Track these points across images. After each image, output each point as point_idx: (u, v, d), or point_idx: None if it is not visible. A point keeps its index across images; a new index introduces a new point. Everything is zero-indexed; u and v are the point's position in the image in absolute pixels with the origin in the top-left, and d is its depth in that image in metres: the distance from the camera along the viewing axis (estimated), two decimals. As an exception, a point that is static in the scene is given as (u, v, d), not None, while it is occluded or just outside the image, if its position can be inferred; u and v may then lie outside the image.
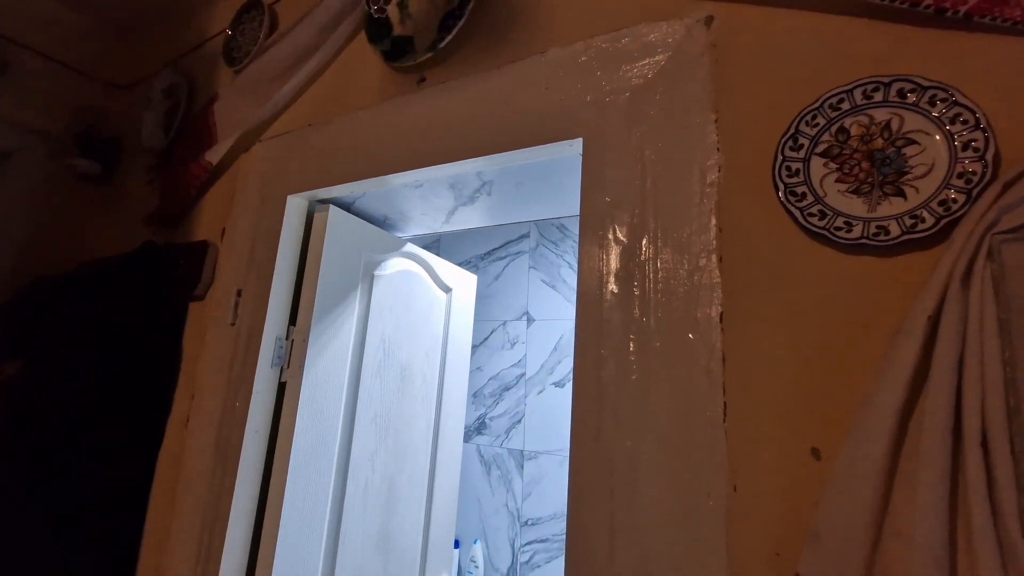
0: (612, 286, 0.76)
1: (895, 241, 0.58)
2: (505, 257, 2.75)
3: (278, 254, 1.16)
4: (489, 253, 2.79)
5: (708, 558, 0.62)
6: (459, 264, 2.56)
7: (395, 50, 1.06)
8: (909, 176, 0.59)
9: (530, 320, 2.60)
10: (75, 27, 1.74)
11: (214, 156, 1.30)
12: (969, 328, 0.51)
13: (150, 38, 1.80)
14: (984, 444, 0.49)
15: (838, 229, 0.61)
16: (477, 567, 2.38)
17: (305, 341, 1.16)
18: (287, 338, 1.18)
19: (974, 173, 0.55)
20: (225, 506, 1.06)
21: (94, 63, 1.78)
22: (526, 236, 2.71)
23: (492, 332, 2.68)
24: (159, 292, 1.26)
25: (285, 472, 1.08)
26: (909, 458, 0.52)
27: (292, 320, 1.20)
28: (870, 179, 0.61)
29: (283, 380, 1.16)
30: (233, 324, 1.17)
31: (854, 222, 0.61)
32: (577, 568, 0.69)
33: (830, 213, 0.62)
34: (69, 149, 1.64)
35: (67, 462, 1.15)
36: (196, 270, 1.24)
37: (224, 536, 1.04)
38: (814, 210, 0.63)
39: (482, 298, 2.68)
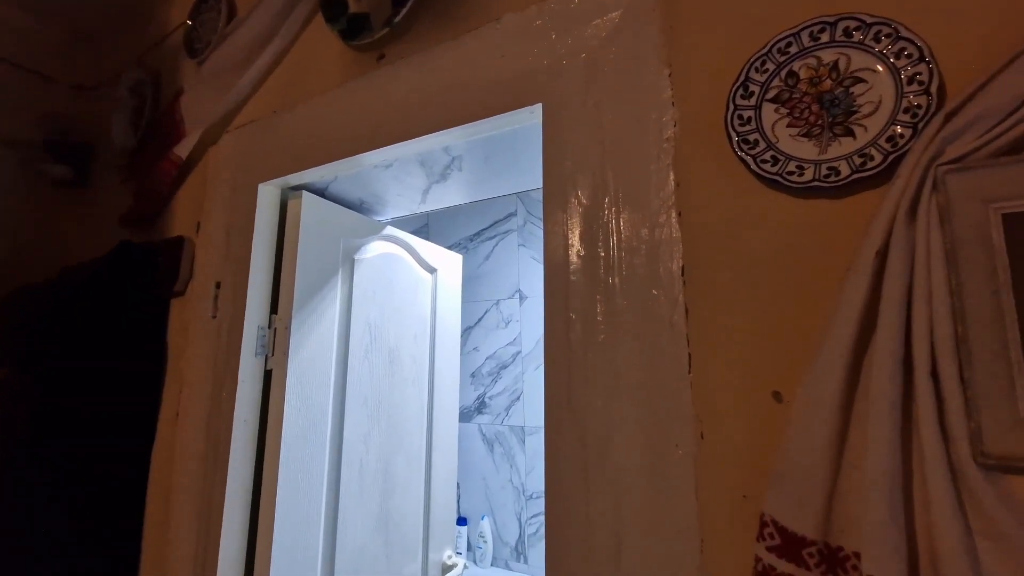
0: (577, 249, 0.76)
1: (846, 181, 0.58)
2: (494, 237, 2.75)
3: (253, 244, 1.16)
4: (478, 234, 2.79)
5: (679, 506, 0.63)
6: (448, 246, 2.56)
7: (352, 28, 1.05)
8: (858, 115, 0.59)
9: (523, 297, 2.60)
10: (35, 32, 1.71)
11: (183, 150, 1.29)
12: (916, 260, 0.51)
13: (112, 37, 1.77)
14: (934, 373, 0.50)
15: (790, 173, 0.61)
16: (486, 542, 2.43)
17: (287, 329, 1.17)
18: (269, 327, 1.19)
19: (919, 107, 0.55)
20: (219, 496, 1.07)
21: (58, 67, 1.75)
22: (513, 215, 2.70)
23: (486, 312, 2.69)
24: (139, 291, 1.27)
25: (277, 458, 1.10)
26: (862, 394, 0.53)
27: (274, 309, 1.20)
28: (820, 121, 0.61)
29: (268, 368, 1.17)
30: (215, 317, 1.18)
31: (806, 165, 0.61)
32: (556, 524, 0.71)
33: (782, 158, 0.62)
34: (40, 155, 1.62)
35: (60, 466, 1.17)
36: (174, 266, 1.24)
37: (220, 525, 1.06)
38: (767, 156, 0.63)
39: (474, 279, 2.69)
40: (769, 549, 0.56)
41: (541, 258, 2.52)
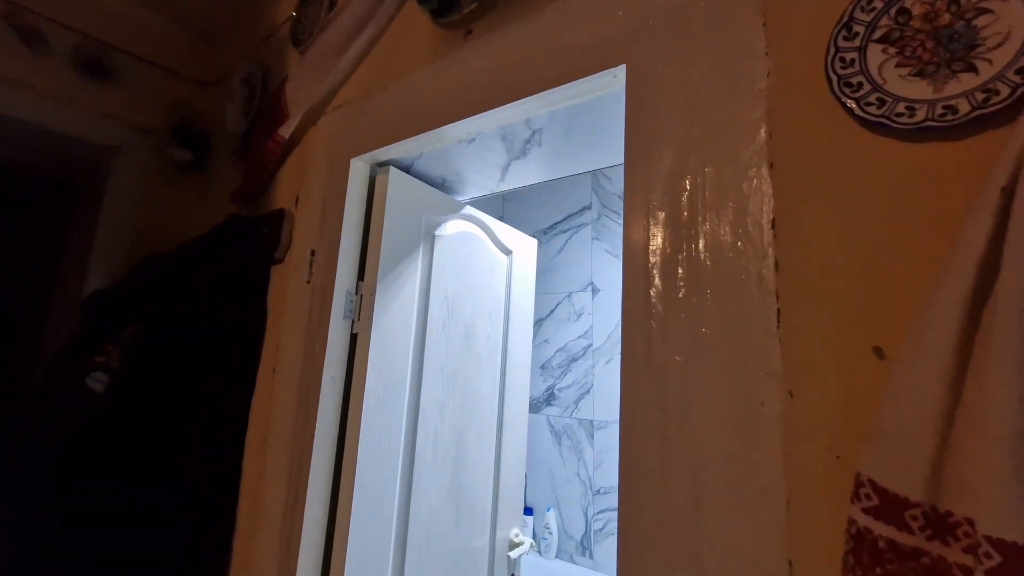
0: (657, 203, 0.75)
1: (964, 119, 0.53)
2: (568, 230, 2.74)
3: (344, 215, 1.24)
4: (552, 227, 2.79)
5: (763, 464, 0.60)
6: (522, 237, 2.58)
7: (442, 6, 1.10)
8: (981, 49, 0.54)
9: (595, 291, 2.58)
10: (167, 33, 1.94)
11: (287, 131, 1.41)
12: (1051, 198, 0.46)
13: (229, 37, 1.96)
14: (1069, 322, 0.45)
15: (899, 115, 0.57)
16: (551, 533, 2.42)
17: (372, 295, 1.23)
18: (356, 293, 1.26)
19: (1058, 32, 0.50)
20: (308, 445, 1.16)
21: (184, 64, 1.97)
22: (588, 208, 2.69)
23: (558, 304, 2.69)
24: (245, 258, 1.39)
25: (360, 413, 1.16)
26: (982, 344, 0.48)
27: (361, 276, 1.28)
28: (936, 59, 0.57)
29: (354, 331, 1.24)
30: (309, 282, 1.27)
31: (917, 106, 0.56)
32: (632, 481, 0.70)
33: (889, 100, 0.58)
34: (168, 141, 1.83)
35: (179, 408, 1.31)
36: (275, 236, 1.35)
37: (308, 472, 1.14)
38: (872, 99, 0.59)
39: (546, 271, 2.69)
40: (865, 511, 0.52)
41: (615, 251, 2.50)
